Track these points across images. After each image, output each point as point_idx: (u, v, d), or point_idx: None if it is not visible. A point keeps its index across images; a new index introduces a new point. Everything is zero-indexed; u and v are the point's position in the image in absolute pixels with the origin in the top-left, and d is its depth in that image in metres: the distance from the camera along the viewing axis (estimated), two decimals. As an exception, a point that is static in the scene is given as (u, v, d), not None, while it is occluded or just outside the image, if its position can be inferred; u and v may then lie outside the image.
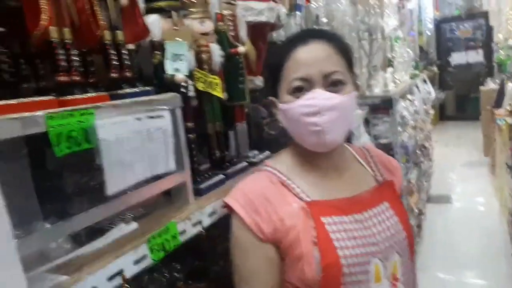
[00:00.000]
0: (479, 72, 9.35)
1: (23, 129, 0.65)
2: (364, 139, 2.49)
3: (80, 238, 0.82)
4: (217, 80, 1.14)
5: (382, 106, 3.22)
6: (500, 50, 6.25)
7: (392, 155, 3.19)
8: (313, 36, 1.00)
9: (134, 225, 0.90)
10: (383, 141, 3.22)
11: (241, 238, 0.98)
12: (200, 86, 1.08)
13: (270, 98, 1.07)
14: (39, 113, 0.67)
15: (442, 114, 9.99)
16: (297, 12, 2.15)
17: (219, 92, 1.15)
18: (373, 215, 0.99)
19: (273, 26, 1.59)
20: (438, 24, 9.97)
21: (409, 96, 4.21)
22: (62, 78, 0.79)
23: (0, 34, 0.71)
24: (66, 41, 0.79)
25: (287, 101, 0.98)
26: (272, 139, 1.51)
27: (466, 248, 3.74)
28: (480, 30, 9.58)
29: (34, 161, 0.73)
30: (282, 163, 1.06)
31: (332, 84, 0.96)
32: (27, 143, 0.72)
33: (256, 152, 1.38)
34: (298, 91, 0.96)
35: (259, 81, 1.51)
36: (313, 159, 1.03)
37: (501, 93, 5.19)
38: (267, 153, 1.43)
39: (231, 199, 1.00)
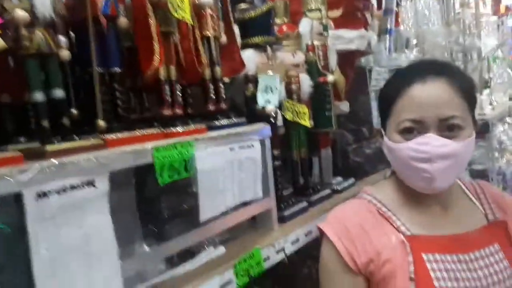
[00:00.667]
0: None
1: (134, 161, 0.73)
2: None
3: (173, 260, 0.88)
4: (305, 109, 1.17)
5: (478, 130, 3.01)
6: None
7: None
8: (433, 72, 0.91)
9: (222, 250, 0.95)
10: (477, 167, 3.00)
11: (330, 264, 0.96)
12: (289, 116, 1.12)
13: (377, 128, 1.03)
14: (148, 146, 0.75)
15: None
16: (387, 36, 2.11)
17: (306, 121, 1.18)
18: (481, 257, 0.91)
19: (362, 53, 1.58)
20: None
21: (508, 119, 3.87)
22: (166, 112, 0.87)
23: (116, 73, 0.80)
24: (172, 78, 0.87)
25: (395, 140, 0.92)
26: (357, 165, 1.49)
27: None
28: None
29: (138, 188, 0.81)
30: (383, 192, 1.02)
31: (448, 129, 0.88)
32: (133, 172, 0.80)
33: (340, 179, 1.38)
34: (408, 132, 0.90)
35: (345, 106, 1.51)
36: (418, 195, 0.97)
37: None
38: (351, 180, 1.41)
39: (326, 224, 0.98)
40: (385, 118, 0.97)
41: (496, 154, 3.14)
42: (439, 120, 0.87)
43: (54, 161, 0.59)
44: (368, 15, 1.48)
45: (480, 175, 2.97)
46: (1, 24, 0.56)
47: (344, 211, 1.01)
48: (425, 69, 0.94)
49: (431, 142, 0.87)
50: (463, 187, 1.05)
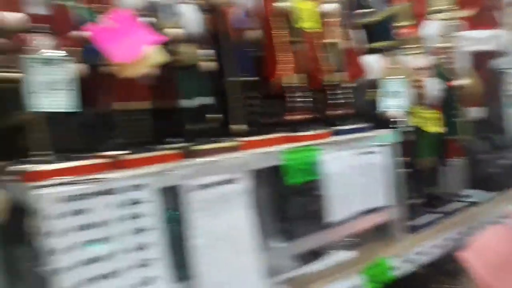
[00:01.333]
0: None
1: (265, 162, 0.78)
2: None
3: (303, 258, 0.91)
4: (433, 115, 1.11)
5: None
6: None
7: None
8: None
9: (353, 253, 0.94)
10: None
11: None
12: (415, 122, 1.08)
13: None
14: (279, 148, 0.80)
15: None
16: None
17: (434, 127, 1.12)
18: None
19: (494, 54, 1.45)
20: None
21: None
22: (292, 116, 0.92)
23: (251, 82, 0.87)
24: (297, 85, 0.91)
25: None
26: (492, 177, 1.35)
27: None
28: None
29: (272, 188, 0.86)
30: None
31: None
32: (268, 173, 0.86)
33: (474, 191, 1.26)
34: None
35: (477, 112, 1.40)
36: None
37: None
38: (488, 193, 1.28)
39: (469, 253, 0.92)
40: None
41: None
42: None
43: (205, 159, 0.67)
44: (498, 14, 1.36)
45: None
46: (162, 41, 0.66)
47: (490, 240, 0.92)
48: None
49: None
50: None
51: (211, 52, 0.76)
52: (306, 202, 0.93)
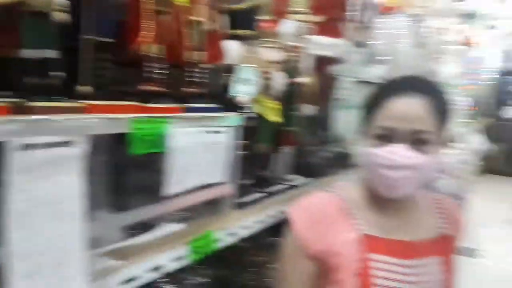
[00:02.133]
0: (536, 131, 8.96)
1: (111, 128, 0.76)
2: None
3: (133, 230, 0.92)
4: (276, 105, 1.23)
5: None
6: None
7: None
8: (412, 88, 0.97)
9: (180, 226, 1.00)
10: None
11: (290, 247, 1.04)
12: (260, 110, 1.18)
13: (357, 135, 1.08)
14: (127, 116, 0.78)
15: (490, 167, 9.58)
16: (361, 48, 2.21)
17: (275, 117, 1.24)
18: (421, 265, 1.00)
19: (335, 61, 1.67)
20: (502, 76, 9.64)
21: (455, 145, 4.14)
22: (147, 87, 0.91)
23: (107, 44, 0.83)
24: (156, 56, 0.90)
25: (369, 144, 1.00)
26: (315, 166, 1.57)
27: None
28: (546, 87, 9.18)
29: (109, 156, 0.85)
30: (350, 191, 1.09)
31: (417, 142, 0.94)
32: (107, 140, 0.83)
33: (298, 176, 1.45)
34: (381, 140, 0.97)
35: (311, 109, 1.59)
36: (381, 198, 1.04)
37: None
38: (309, 179, 1.49)
39: (293, 211, 1.05)
40: (364, 125, 1.04)
41: (438, 175, 3.36)
42: (410, 133, 0.94)
43: (38, 116, 0.61)
44: (345, 26, 1.56)
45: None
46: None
47: (311, 201, 1.06)
48: (406, 84, 1.00)
49: (399, 152, 0.94)
50: (425, 200, 1.12)
51: (67, 2, 0.69)
52: (144, 174, 0.94)
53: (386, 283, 0.95)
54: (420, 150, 0.95)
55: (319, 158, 1.53)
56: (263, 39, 1.20)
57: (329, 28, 1.48)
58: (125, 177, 0.93)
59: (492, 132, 9.36)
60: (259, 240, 1.41)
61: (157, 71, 0.91)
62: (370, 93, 1.07)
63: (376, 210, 1.05)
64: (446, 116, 1.01)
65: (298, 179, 1.45)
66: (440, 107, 0.98)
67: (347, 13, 1.57)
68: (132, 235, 0.92)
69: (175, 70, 0.97)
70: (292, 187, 1.42)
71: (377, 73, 2.35)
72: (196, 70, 1.00)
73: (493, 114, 9.36)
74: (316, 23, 1.40)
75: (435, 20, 3.68)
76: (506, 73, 9.63)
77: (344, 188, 1.11)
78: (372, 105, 1.01)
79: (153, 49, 0.89)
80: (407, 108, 0.95)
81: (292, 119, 1.37)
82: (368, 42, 2.30)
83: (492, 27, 7.14)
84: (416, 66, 3.36)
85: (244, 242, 1.34)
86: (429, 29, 3.53)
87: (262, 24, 1.20)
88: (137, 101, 0.86)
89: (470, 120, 5.15)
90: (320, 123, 1.76)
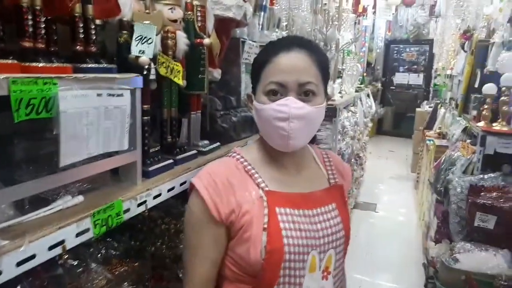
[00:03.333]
0: (418, 94, 10.03)
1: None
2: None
3: (25, 206, 0.82)
4: (179, 67, 1.17)
5: (327, 114, 3.38)
6: (437, 77, 6.75)
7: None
8: (296, 44, 1.05)
9: (79, 198, 0.91)
10: (323, 146, 3.39)
11: (196, 214, 1.04)
12: (163, 71, 1.11)
13: (249, 93, 1.12)
14: (3, 76, 0.67)
15: (380, 128, 10.58)
16: (262, 13, 2.21)
17: (179, 79, 1.18)
18: (321, 213, 1.08)
19: (238, 23, 1.63)
20: (388, 44, 10.52)
21: (352, 108, 4.44)
22: (27, 44, 0.79)
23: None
24: (36, 7, 0.78)
25: (262, 101, 1.05)
26: (223, 131, 1.55)
27: (383, 254, 4.04)
28: (424, 55, 10.25)
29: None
30: (250, 153, 1.14)
31: (305, 94, 1.02)
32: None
33: (206, 142, 1.42)
34: (273, 94, 1.03)
35: (217, 73, 1.55)
36: (277, 155, 1.11)
37: (433, 116, 5.62)
38: (217, 144, 1.47)
39: (197, 178, 1.05)
40: (255, 84, 1.08)
41: (339, 137, 3.59)
42: (298, 85, 1.02)
43: None
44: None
45: (325, 153, 3.37)
46: None
47: (214, 166, 1.09)
48: (290, 41, 1.08)
49: (290, 104, 1.00)
50: (315, 154, 1.22)
51: None
52: (34, 143, 0.83)
53: (293, 233, 1.01)
54: (308, 101, 1.03)
55: (227, 123, 1.51)
56: (161, -5, 1.11)
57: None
58: (11, 147, 0.81)
59: (382, 97, 10.35)
60: (170, 208, 1.37)
61: (40, 25, 0.79)
62: (260, 52, 1.11)
63: (276, 167, 1.13)
64: (327, 71, 1.12)
65: (207, 145, 1.41)
66: (322, 63, 1.08)
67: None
68: (26, 211, 0.81)
69: (63, 27, 0.86)
70: (201, 152, 1.39)
71: (278, 37, 2.38)
72: (86, 26, 0.89)
73: (381, 80, 10.28)
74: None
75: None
76: (391, 41, 10.55)
77: (245, 151, 1.16)
78: (262, 63, 1.07)
79: (36, 1, 0.76)
80: (294, 62, 1.03)
81: (197, 82, 1.31)
82: (268, 7, 2.31)
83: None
84: (313, 33, 3.48)
85: (154, 211, 1.29)
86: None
87: (159, -21, 1.11)
88: (17, 60, 0.75)
89: (361, 85, 5.55)
90: (226, 87, 1.74)
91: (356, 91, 5.11)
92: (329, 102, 3.46)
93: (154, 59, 1.08)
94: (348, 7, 4.37)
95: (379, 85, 10.01)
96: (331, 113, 3.40)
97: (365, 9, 6.14)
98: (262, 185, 1.06)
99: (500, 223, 2.64)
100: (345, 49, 4.32)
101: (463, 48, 4.18)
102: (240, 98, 1.76)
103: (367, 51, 8.13)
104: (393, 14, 9.77)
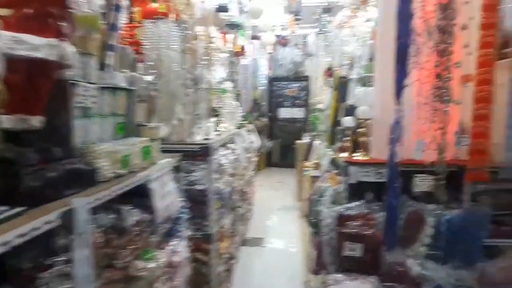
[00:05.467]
0: (301, 127, 10.63)
1: None
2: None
3: None
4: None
5: (200, 153, 3.28)
6: (315, 111, 7.20)
7: (206, 201, 3.28)
8: None
9: None
10: (199, 187, 3.26)
11: None
12: None
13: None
14: None
15: (269, 161, 10.93)
16: (109, 52, 2.04)
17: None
18: None
19: (61, 65, 1.44)
20: (271, 81, 11.09)
21: (231, 145, 4.43)
22: None
23: None
24: None
25: None
26: (32, 191, 1.24)
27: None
28: (305, 91, 10.97)
29: None
30: None
31: None
32: None
33: (4, 208, 1.14)
34: None
35: (36, 121, 1.34)
36: None
37: (310, 147, 5.92)
38: (20, 209, 1.17)
39: None
40: None
41: (216, 176, 3.50)
42: None
43: None
44: (66, 25, 1.37)
45: (201, 193, 3.25)
46: None
47: None
48: None
49: None
50: None
51: None
52: None
53: None
54: None
55: (40, 180, 1.27)
56: None
57: (37, 25, 1.25)
58: None
59: (268, 131, 10.77)
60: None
61: None
62: None
63: None
64: None
65: (3, 211, 1.14)
66: None
67: (65, 11, 1.36)
68: None
69: None
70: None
71: (132, 78, 2.23)
72: None
73: (268, 115, 10.73)
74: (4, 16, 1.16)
75: (202, 27, 3.83)
76: (273, 79, 11.17)
77: None
78: None
79: None
80: None
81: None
82: (118, 45, 2.16)
83: (256, 37, 8.07)
84: (182, 72, 3.41)
85: None
86: (196, 36, 3.64)
87: None
88: None
89: (243, 121, 5.63)
90: (53, 136, 1.51)
91: (238, 127, 5.15)
92: (202, 142, 3.40)
93: None
94: (218, 47, 4.43)
95: (266, 120, 10.43)
96: (205, 153, 3.30)
97: (243, 49, 6.34)
98: None
99: (367, 250, 2.75)
100: (219, 87, 4.33)
101: (329, 84, 4.50)
102: (71, 148, 1.55)
103: (252, 89, 8.42)
104: (270, 53, 10.36)
